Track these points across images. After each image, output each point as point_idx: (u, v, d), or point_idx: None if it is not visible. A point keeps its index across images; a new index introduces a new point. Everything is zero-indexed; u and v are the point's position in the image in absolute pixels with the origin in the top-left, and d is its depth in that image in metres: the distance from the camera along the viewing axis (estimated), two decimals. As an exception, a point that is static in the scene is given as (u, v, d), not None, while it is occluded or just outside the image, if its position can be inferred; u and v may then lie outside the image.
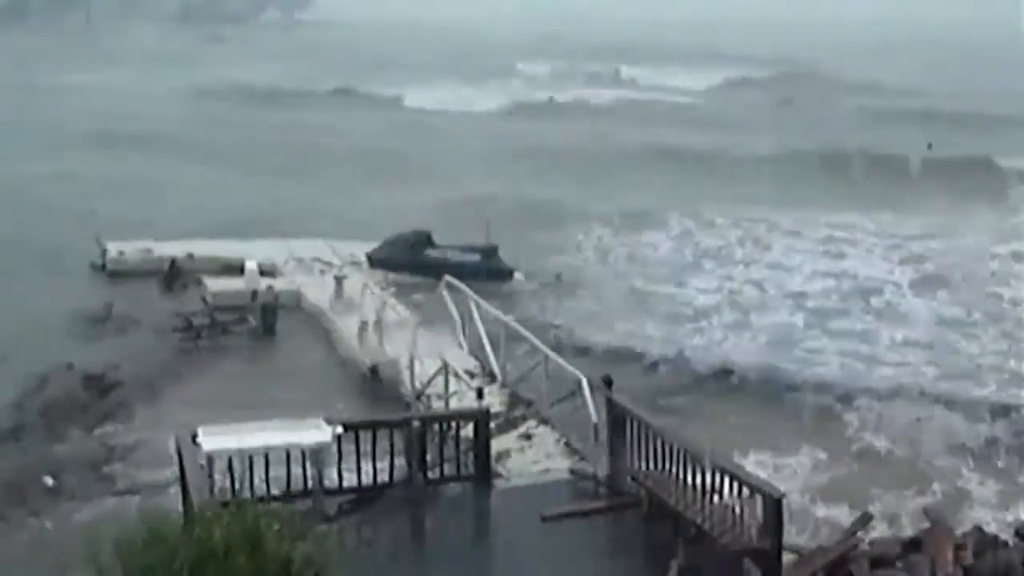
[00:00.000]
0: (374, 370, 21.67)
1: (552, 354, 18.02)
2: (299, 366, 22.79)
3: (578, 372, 17.03)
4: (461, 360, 20.18)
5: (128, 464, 17.96)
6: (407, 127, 59.59)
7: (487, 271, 28.54)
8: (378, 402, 20.32)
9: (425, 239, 29.52)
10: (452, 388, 18.27)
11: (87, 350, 23.26)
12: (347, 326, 23.89)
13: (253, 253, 27.43)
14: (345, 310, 24.67)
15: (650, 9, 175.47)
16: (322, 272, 27.53)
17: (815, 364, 24.70)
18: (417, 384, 19.53)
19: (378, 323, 21.87)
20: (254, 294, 25.13)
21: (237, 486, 13.35)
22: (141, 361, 22.62)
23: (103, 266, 29.30)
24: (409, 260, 28.47)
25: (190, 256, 28.47)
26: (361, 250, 29.55)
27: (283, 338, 24.64)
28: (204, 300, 26.00)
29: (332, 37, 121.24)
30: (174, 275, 27.77)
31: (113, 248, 29.16)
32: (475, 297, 21.23)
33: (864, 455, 20.00)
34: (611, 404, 15.69)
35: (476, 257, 29.10)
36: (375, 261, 28.74)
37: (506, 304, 24.67)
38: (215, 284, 26.53)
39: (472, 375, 19.41)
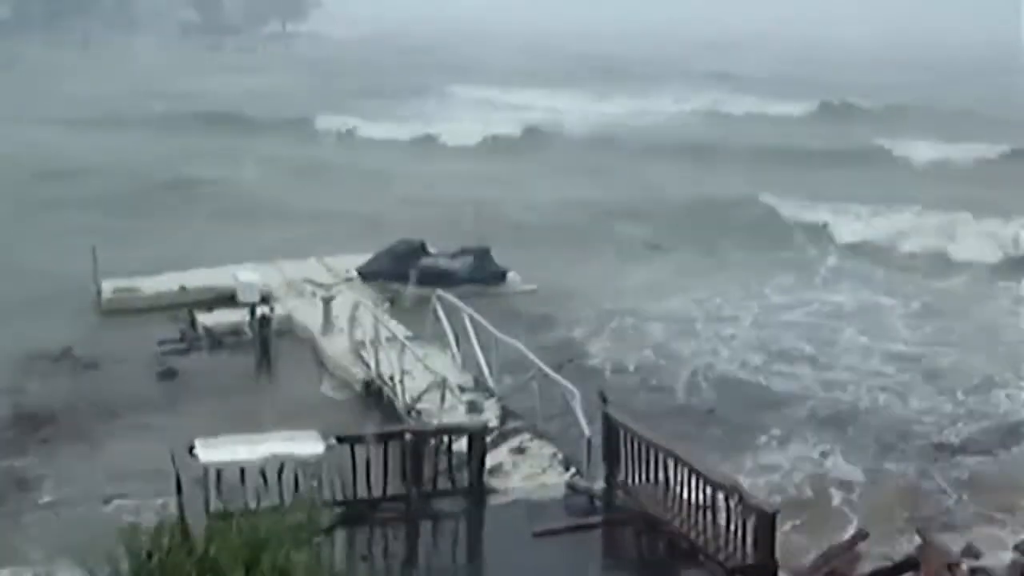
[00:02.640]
0: (368, 387, 21.55)
1: (545, 367, 18.02)
2: (290, 391, 22.38)
3: (571, 385, 17.04)
4: (455, 374, 20.15)
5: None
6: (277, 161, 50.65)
7: (481, 275, 28.58)
8: (372, 419, 20.13)
9: (417, 248, 29.42)
10: (447, 402, 18.24)
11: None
12: (338, 346, 23.62)
13: (244, 276, 26.95)
14: (336, 330, 24.25)
15: (654, 25, 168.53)
16: (314, 294, 27.14)
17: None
18: (408, 399, 19.47)
19: (373, 341, 21.73)
20: (252, 310, 24.48)
21: (232, 498, 13.31)
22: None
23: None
24: (401, 271, 28.35)
25: (182, 288, 27.56)
26: (355, 265, 29.28)
27: (273, 361, 24.13)
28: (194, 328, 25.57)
29: (322, 53, 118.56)
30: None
31: (107, 286, 28.19)
32: (468, 310, 21.16)
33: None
34: (606, 418, 15.76)
35: (469, 261, 29.12)
36: (366, 275, 28.57)
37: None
38: (207, 318, 25.84)
39: (464, 390, 19.41)
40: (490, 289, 28.46)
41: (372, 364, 21.64)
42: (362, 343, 22.82)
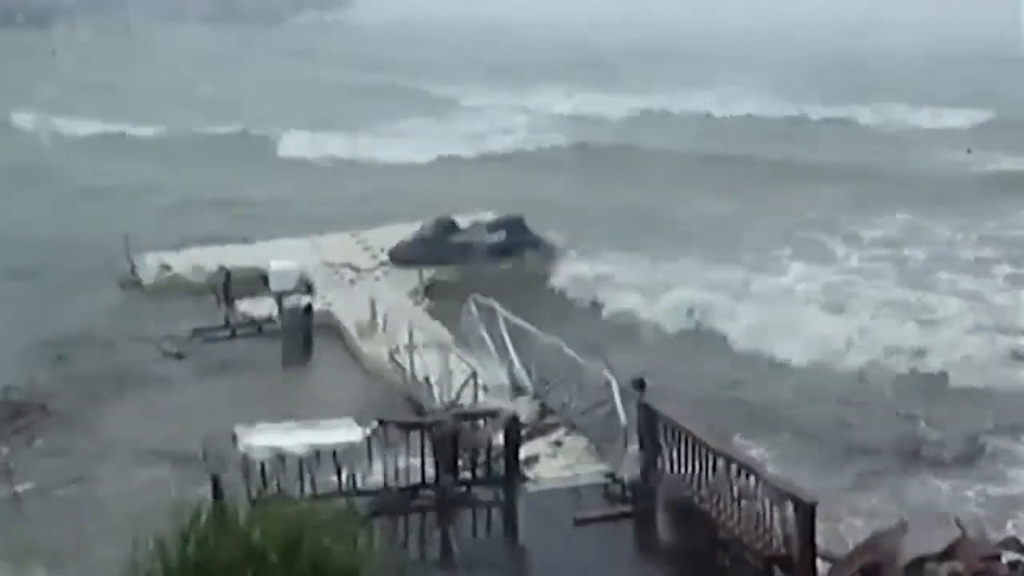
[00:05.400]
0: (410, 399, 21.17)
1: (580, 359, 17.96)
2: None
3: (608, 375, 16.96)
4: (491, 374, 20.01)
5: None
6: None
7: (515, 247, 27.95)
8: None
9: (448, 226, 28.76)
10: (482, 400, 18.23)
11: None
12: (378, 350, 23.27)
13: (279, 253, 26.79)
14: (377, 331, 23.93)
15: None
16: (352, 282, 26.74)
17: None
18: (447, 398, 19.33)
19: (409, 346, 21.42)
20: (279, 298, 24.01)
21: (271, 484, 13.39)
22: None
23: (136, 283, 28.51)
24: (433, 252, 27.76)
25: (221, 268, 27.01)
26: (391, 243, 28.73)
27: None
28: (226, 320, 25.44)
29: (351, 43, 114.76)
30: (227, 287, 26.27)
31: (149, 259, 28.51)
32: (503, 312, 20.98)
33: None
34: (642, 407, 15.70)
35: (503, 235, 28.39)
36: (397, 259, 28.09)
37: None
38: (245, 305, 25.73)
39: (502, 388, 19.38)
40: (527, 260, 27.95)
41: (407, 368, 21.46)
42: (397, 348, 22.46)
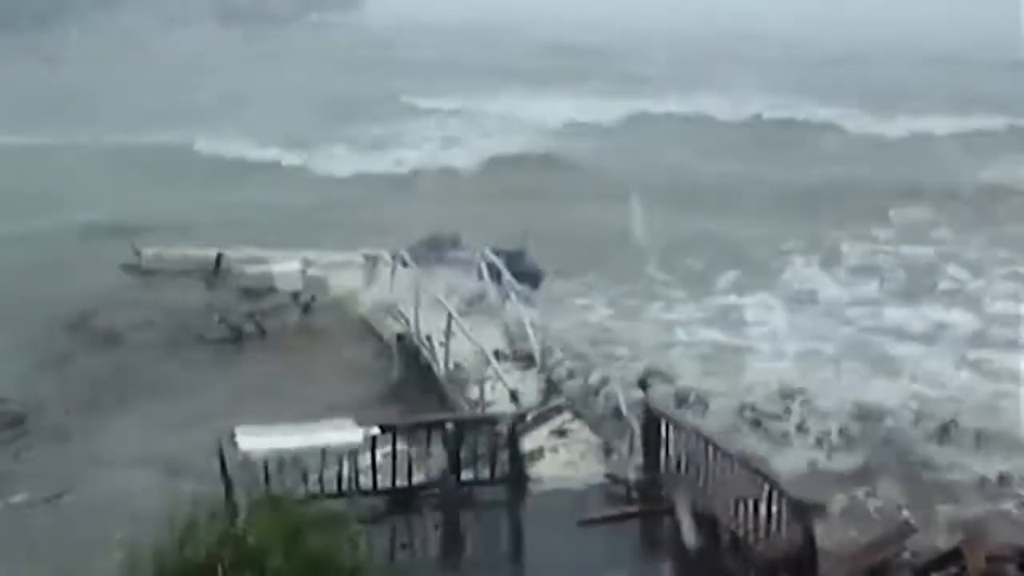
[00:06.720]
0: (400, 338, 21.37)
1: (584, 347, 18.00)
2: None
3: (612, 368, 16.99)
4: (497, 342, 19.92)
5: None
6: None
7: (516, 274, 28.04)
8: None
9: (452, 241, 29.01)
10: (488, 372, 18.17)
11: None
12: (378, 303, 23.67)
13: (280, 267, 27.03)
14: (377, 289, 24.29)
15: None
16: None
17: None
18: (451, 365, 19.28)
19: (412, 301, 21.49)
20: (295, 295, 24.71)
21: (272, 486, 13.33)
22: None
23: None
24: (435, 261, 28.05)
25: (217, 253, 27.65)
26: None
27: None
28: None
29: (349, 46, 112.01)
30: (219, 269, 27.05)
31: (148, 250, 28.87)
32: (512, 280, 20.96)
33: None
34: (647, 406, 15.66)
35: (503, 260, 28.57)
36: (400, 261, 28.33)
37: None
38: (251, 268, 25.92)
39: (508, 357, 19.30)
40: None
41: (411, 321, 21.39)
42: (401, 301, 22.52)
